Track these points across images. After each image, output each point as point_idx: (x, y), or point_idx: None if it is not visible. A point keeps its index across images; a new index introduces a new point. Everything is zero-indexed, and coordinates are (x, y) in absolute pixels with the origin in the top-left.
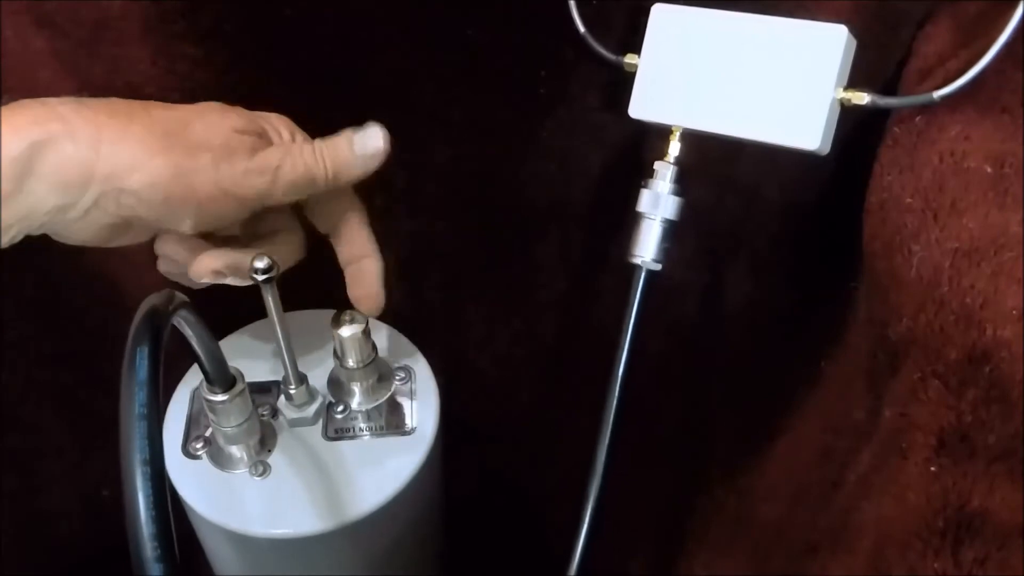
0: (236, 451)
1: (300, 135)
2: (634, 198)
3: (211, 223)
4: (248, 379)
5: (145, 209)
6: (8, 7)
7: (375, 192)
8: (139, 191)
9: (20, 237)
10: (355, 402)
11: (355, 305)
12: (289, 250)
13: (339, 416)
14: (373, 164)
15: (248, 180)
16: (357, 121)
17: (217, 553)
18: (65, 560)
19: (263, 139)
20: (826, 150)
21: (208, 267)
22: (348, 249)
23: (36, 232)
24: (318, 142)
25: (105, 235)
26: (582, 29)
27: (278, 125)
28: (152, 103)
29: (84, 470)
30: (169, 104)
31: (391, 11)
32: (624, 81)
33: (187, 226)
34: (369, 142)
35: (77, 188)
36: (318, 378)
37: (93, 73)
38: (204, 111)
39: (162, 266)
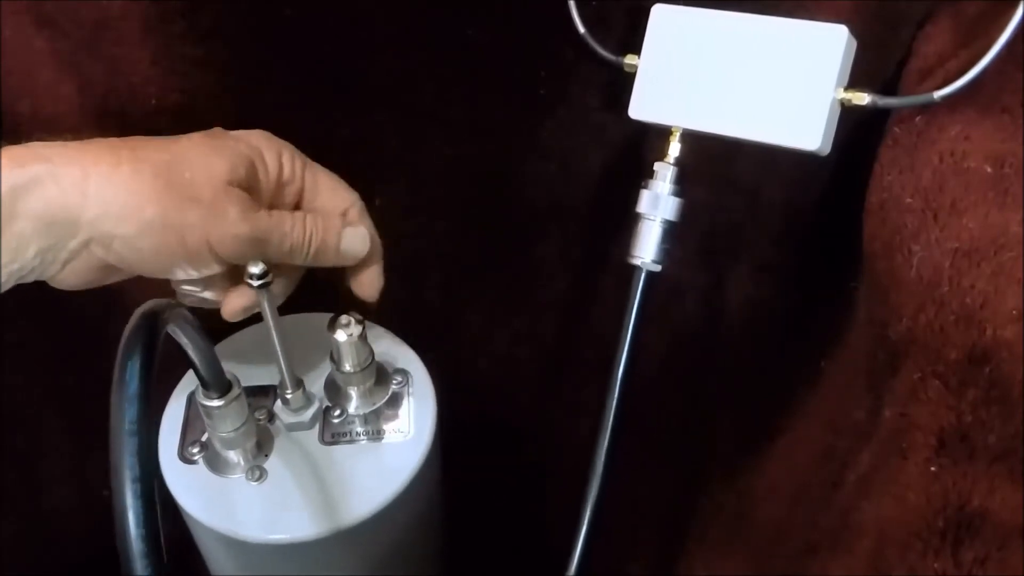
0: (233, 456)
1: (289, 161)
2: (634, 199)
3: (200, 271)
4: (244, 384)
5: (135, 258)
6: (8, 7)
7: (375, 192)
8: (130, 240)
9: (12, 283)
10: (352, 406)
11: (354, 290)
12: (285, 283)
13: (336, 420)
14: (347, 263)
15: (236, 245)
16: (357, 120)
17: (214, 558)
18: (65, 560)
19: (254, 188)
20: (826, 150)
21: (239, 307)
22: (359, 237)
23: (28, 279)
24: (310, 220)
25: (96, 278)
26: (582, 29)
27: (268, 156)
28: (137, 141)
29: (84, 470)
30: (155, 140)
31: (391, 11)
32: (624, 81)
33: (177, 275)
34: (356, 245)
35: (63, 230)
36: (315, 382)
37: (93, 73)
38: (193, 152)
39: (179, 298)
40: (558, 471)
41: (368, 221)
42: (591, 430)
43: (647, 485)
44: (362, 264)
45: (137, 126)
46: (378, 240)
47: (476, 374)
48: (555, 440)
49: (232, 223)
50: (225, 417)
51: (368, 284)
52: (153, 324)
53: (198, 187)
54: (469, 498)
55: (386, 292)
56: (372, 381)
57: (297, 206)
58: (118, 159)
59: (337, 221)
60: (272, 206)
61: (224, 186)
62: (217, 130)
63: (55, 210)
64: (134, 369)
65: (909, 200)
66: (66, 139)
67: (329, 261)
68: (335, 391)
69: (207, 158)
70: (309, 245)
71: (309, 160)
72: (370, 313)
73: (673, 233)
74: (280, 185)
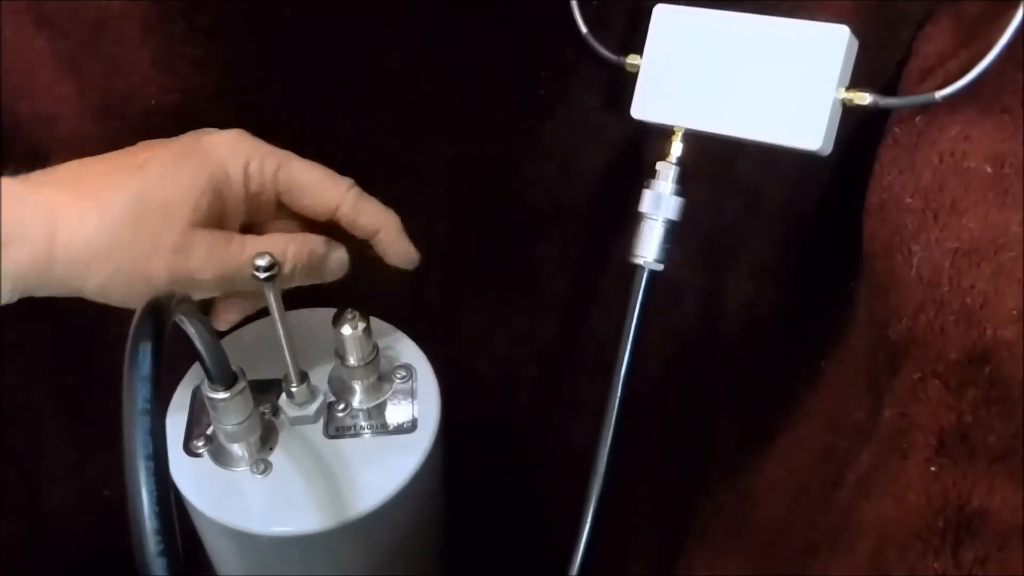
0: (237, 449)
1: (258, 170)
2: (635, 198)
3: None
4: (249, 377)
5: (108, 298)
6: (8, 7)
7: (375, 192)
8: (99, 288)
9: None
10: (356, 400)
11: (391, 262)
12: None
13: (340, 414)
14: (329, 279)
15: (203, 288)
16: (357, 120)
17: (218, 551)
18: (65, 560)
19: (223, 212)
20: (828, 150)
21: (229, 321)
22: (363, 223)
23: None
24: (282, 243)
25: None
26: (584, 30)
27: (233, 170)
28: (106, 171)
29: (84, 470)
30: (121, 169)
31: (391, 11)
32: (624, 81)
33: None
34: (335, 268)
35: (35, 282)
36: (319, 376)
37: (93, 73)
38: (158, 190)
39: None
40: (558, 471)
41: (369, 201)
42: (591, 430)
43: (647, 485)
44: (383, 238)
45: (137, 126)
46: (390, 211)
47: (476, 374)
48: (555, 440)
49: (197, 268)
50: (230, 410)
51: (398, 254)
52: (162, 312)
53: (162, 233)
54: (469, 498)
55: (386, 291)
56: (376, 375)
57: (283, 207)
58: (83, 209)
59: (314, 241)
60: (250, 222)
61: (188, 229)
62: (187, 141)
63: (23, 269)
64: (145, 351)
65: (909, 200)
66: (56, 143)
67: (310, 280)
68: (340, 385)
69: (171, 195)
70: (286, 268)
71: (289, 158)
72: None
73: (675, 233)
74: (252, 197)
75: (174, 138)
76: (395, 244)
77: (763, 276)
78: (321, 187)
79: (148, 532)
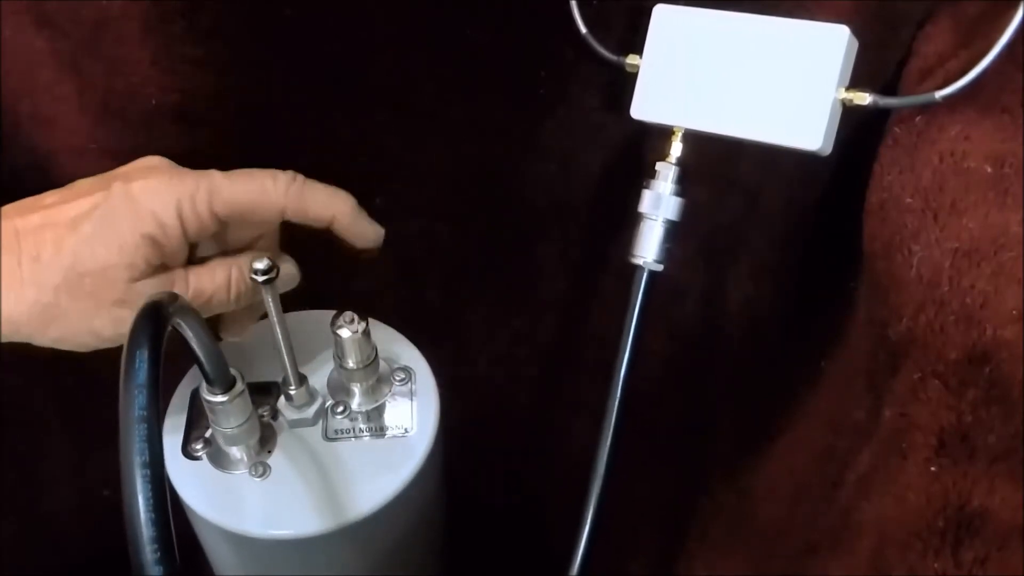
0: (236, 452)
1: (192, 215)
2: (635, 199)
3: None
4: (248, 380)
5: (59, 346)
6: (8, 7)
7: (375, 192)
8: (51, 344)
9: None
10: (355, 403)
11: (356, 244)
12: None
13: (339, 417)
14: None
15: None
16: (357, 120)
17: (217, 554)
18: (65, 560)
19: (163, 261)
20: (828, 150)
21: (236, 335)
22: (315, 215)
23: None
24: (223, 273)
25: None
26: (584, 30)
27: (167, 219)
28: (37, 216)
29: (84, 470)
30: (55, 220)
31: (391, 11)
32: (624, 81)
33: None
34: (286, 282)
35: None
36: (318, 379)
37: (93, 73)
38: (92, 252)
39: None
40: (558, 471)
41: (316, 191)
42: (591, 430)
43: (647, 485)
44: (340, 225)
45: (137, 126)
46: (339, 194)
47: (476, 374)
48: (555, 440)
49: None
50: (229, 413)
51: (358, 236)
52: (160, 315)
53: (101, 294)
54: (469, 498)
55: (386, 291)
56: (375, 378)
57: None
58: (21, 277)
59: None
60: (198, 254)
61: (127, 285)
62: (116, 195)
63: None
64: (142, 357)
65: (909, 200)
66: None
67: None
68: (338, 387)
69: (106, 259)
70: (232, 294)
71: (216, 184)
72: (371, 259)
73: (675, 233)
74: (192, 237)
75: (99, 180)
76: (353, 227)
77: (763, 276)
78: (259, 201)
79: (144, 540)
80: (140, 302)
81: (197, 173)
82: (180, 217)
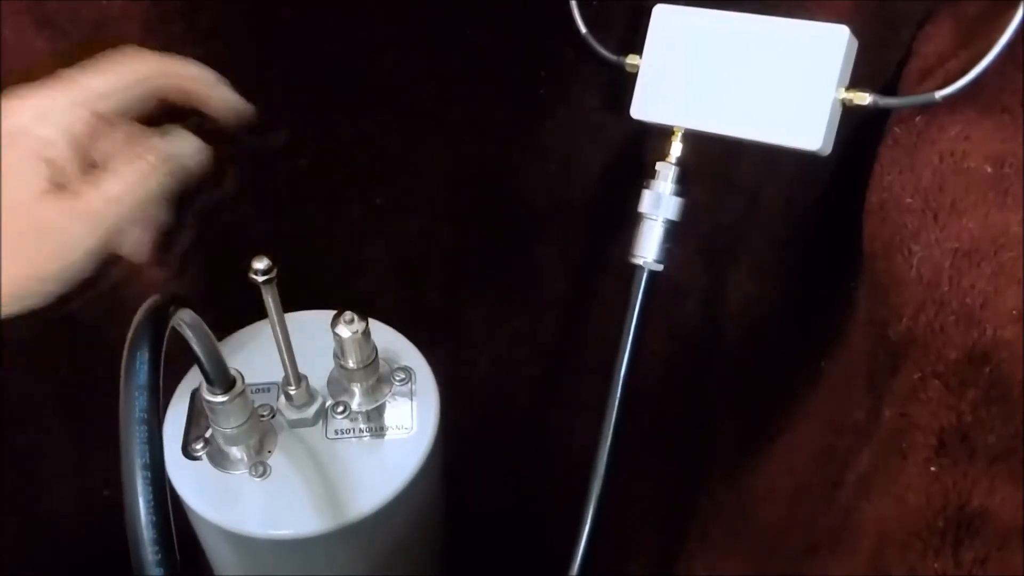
0: (236, 452)
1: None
2: (635, 198)
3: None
4: (248, 380)
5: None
6: (8, 7)
7: (375, 192)
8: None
9: None
10: (355, 403)
11: (226, 118)
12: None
13: (339, 417)
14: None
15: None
16: (357, 120)
17: (217, 554)
18: (65, 560)
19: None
20: (828, 150)
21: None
22: (175, 71)
23: None
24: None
25: None
26: (584, 30)
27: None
28: None
29: (84, 470)
30: None
31: (391, 11)
32: (624, 81)
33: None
34: (184, 147)
35: None
36: (318, 379)
37: None
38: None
39: None
40: (558, 471)
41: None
42: (591, 430)
43: (647, 485)
44: (199, 94)
45: None
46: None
47: (476, 374)
48: (555, 440)
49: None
50: (229, 413)
51: (223, 101)
52: (160, 316)
53: (11, 226)
54: (469, 498)
55: (386, 292)
56: (375, 378)
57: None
58: None
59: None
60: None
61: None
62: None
63: None
64: (143, 359)
65: (909, 200)
66: None
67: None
68: (338, 387)
69: (24, 173)
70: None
71: (90, 97)
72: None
73: (674, 233)
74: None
75: None
76: (215, 93)
77: (763, 276)
78: (130, 97)
79: (145, 541)
80: (60, 221)
81: (67, 90)
82: (70, 137)
